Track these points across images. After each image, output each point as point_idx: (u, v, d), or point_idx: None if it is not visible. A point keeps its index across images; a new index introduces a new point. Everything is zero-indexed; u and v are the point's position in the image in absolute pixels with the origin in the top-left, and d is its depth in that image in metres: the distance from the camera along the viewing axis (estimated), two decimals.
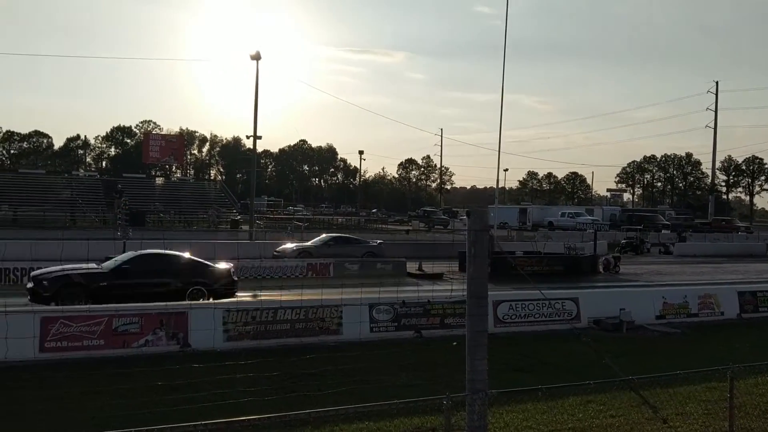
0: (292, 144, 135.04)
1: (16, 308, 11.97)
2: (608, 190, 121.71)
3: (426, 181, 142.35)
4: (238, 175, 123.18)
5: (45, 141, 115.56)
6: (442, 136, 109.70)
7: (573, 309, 16.35)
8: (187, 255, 17.75)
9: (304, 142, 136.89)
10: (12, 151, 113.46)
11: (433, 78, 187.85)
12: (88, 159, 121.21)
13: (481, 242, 4.34)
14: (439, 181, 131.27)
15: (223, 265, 18.09)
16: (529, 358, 12.52)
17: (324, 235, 31.11)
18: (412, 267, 26.95)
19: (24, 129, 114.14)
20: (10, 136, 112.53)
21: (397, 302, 14.55)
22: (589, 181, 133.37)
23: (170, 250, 18.60)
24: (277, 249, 28.31)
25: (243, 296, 17.97)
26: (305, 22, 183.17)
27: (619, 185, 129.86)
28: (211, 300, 15.77)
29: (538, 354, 13.07)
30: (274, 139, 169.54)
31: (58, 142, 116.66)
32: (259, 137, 45.02)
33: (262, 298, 17.52)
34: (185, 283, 16.25)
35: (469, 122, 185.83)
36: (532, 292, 16.21)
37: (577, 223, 63.37)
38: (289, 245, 29.21)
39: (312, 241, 29.96)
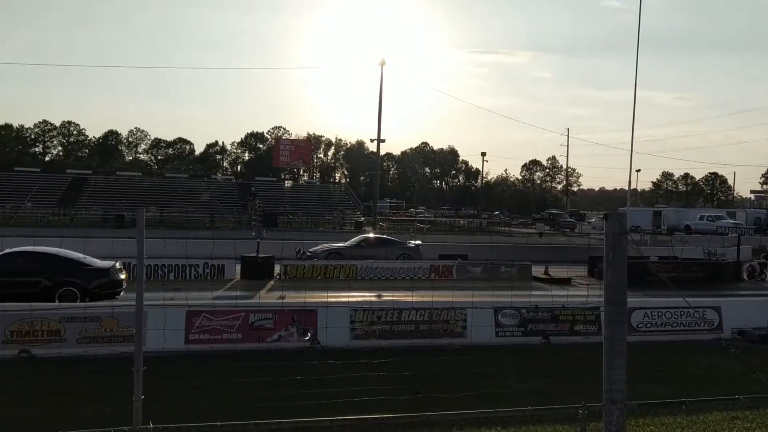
0: (414, 146, 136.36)
1: (170, 302, 12.84)
2: (752, 191, 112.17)
3: (551, 182, 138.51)
4: (361, 178, 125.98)
5: (187, 147, 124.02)
6: (568, 136, 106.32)
7: (715, 318, 15.27)
8: (64, 252, 16.40)
9: (425, 144, 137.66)
10: (159, 157, 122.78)
11: (559, 77, 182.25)
12: (224, 163, 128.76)
13: (619, 247, 4.17)
14: (565, 182, 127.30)
15: (103, 264, 16.75)
16: (665, 369, 11.85)
17: (360, 236, 30.10)
18: (537, 271, 26.35)
19: (169, 136, 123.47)
20: (157, 143, 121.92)
21: (525, 307, 14.31)
22: (730, 182, 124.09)
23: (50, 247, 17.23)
24: (310, 250, 27.34)
25: (367, 296, 18.38)
26: (428, 24, 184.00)
27: (765, 186, 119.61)
28: (86, 301, 14.69)
29: (675, 365, 12.35)
30: (396, 141, 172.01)
31: (198, 148, 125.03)
32: (383, 140, 45.99)
33: (386, 298, 17.86)
34: (56, 283, 15.33)
35: (597, 121, 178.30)
36: (669, 300, 15.37)
37: (717, 227, 59.05)
38: (322, 246, 28.24)
39: (347, 242, 28.91)
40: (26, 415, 8.19)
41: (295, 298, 16.18)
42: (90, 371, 10.59)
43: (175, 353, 11.60)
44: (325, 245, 28.10)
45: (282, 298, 17.58)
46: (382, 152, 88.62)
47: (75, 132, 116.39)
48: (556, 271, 25.70)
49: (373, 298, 18.02)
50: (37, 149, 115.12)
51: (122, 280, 16.78)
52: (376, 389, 8.09)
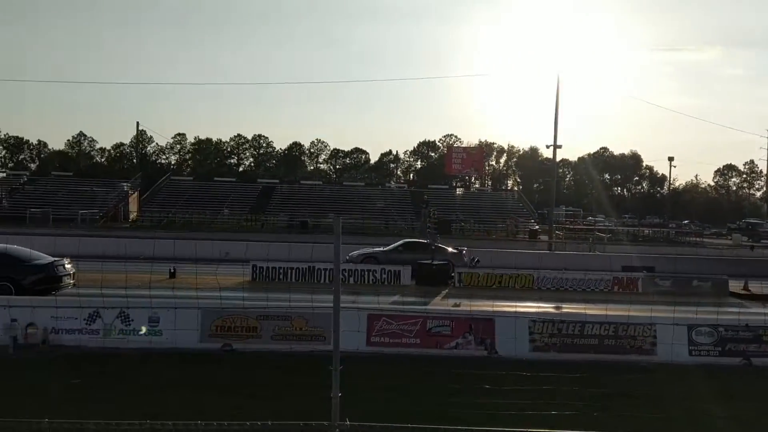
0: (591, 152, 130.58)
1: (354, 305, 13.33)
2: None
3: (749, 189, 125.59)
4: (534, 185, 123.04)
5: (363, 156, 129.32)
6: None
7: None
8: (5, 249, 16.50)
9: (605, 149, 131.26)
10: (337, 166, 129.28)
11: (755, 73, 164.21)
12: (398, 172, 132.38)
13: None
14: (765, 189, 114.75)
15: (42, 261, 16.59)
16: None
17: (400, 241, 28.19)
18: (735, 286, 24.04)
19: (347, 146, 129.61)
20: (336, 153, 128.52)
21: (723, 324, 13.16)
22: None
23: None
24: (349, 254, 25.81)
25: (545, 307, 17.86)
26: (606, 23, 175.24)
27: None
28: (24, 296, 14.47)
29: None
30: (572, 146, 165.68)
31: (373, 158, 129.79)
32: (559, 146, 44.51)
33: (566, 310, 17.24)
34: None
35: None
36: None
37: None
38: (359, 251, 26.71)
39: (386, 246, 27.01)
40: (226, 404, 8.94)
41: (471, 306, 16.16)
42: (281, 366, 11.36)
43: (358, 354, 12.08)
44: (363, 250, 27.13)
45: (457, 305, 17.67)
46: (558, 158, 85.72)
47: (264, 144, 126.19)
48: (758, 287, 23.25)
49: (552, 310, 17.51)
50: (232, 161, 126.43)
51: (62, 276, 16.73)
52: (563, 404, 7.84)
